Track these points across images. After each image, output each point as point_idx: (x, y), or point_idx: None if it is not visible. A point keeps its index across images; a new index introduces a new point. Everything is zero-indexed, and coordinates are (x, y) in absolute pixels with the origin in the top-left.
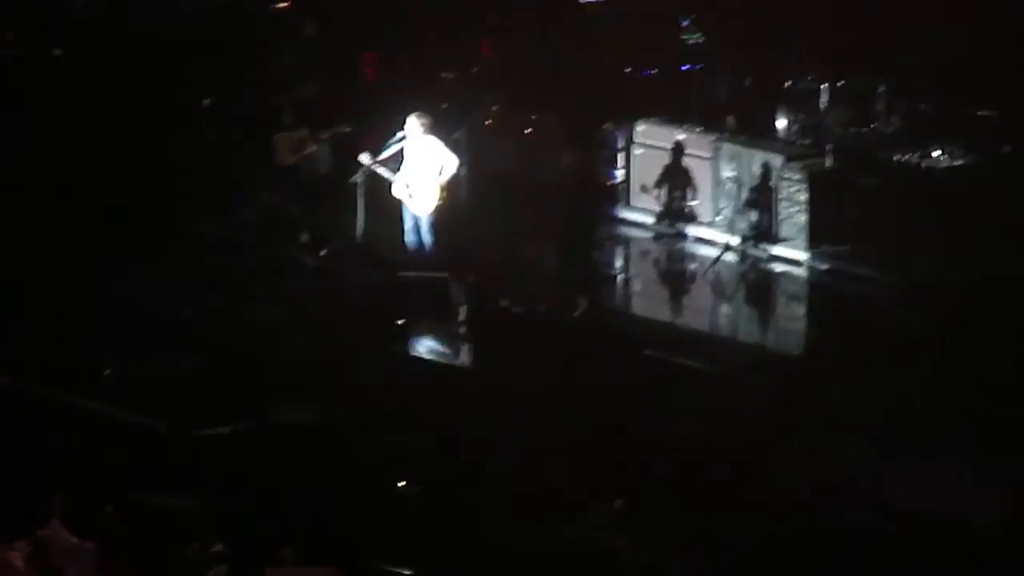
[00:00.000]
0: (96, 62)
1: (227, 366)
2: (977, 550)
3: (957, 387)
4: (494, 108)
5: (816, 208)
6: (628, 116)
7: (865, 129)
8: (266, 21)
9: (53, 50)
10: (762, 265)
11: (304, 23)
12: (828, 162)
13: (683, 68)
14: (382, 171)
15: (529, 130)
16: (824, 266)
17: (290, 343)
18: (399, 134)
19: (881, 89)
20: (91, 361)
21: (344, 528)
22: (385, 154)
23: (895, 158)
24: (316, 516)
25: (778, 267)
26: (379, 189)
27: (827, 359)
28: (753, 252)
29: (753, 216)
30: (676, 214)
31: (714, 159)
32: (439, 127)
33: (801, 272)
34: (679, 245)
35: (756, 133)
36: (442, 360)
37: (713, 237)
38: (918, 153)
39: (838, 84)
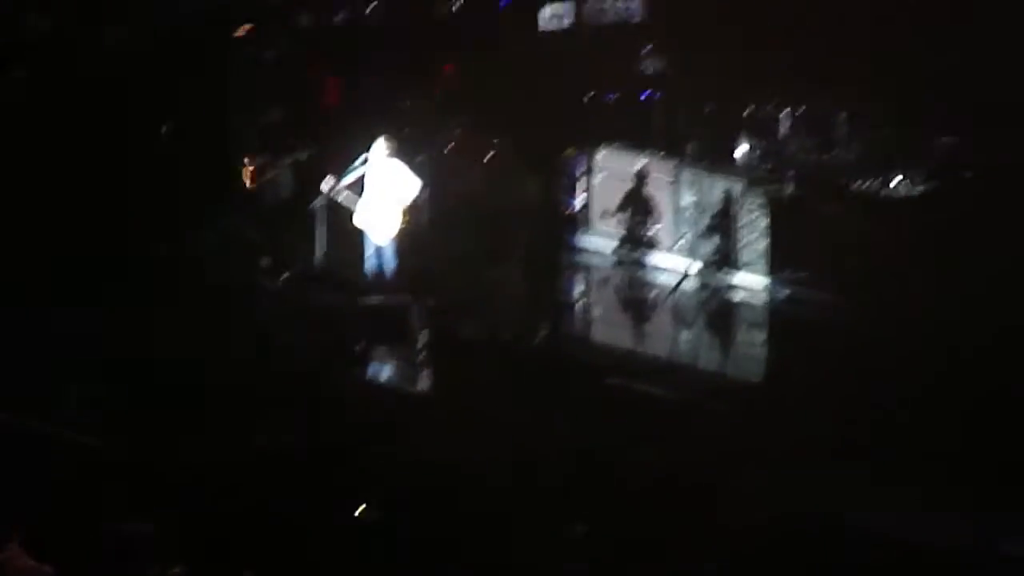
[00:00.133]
0: (53, 86)
1: (186, 391)
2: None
3: (918, 412)
4: (456, 133)
5: (777, 234)
6: (589, 142)
7: (826, 155)
8: (228, 46)
9: (8, 73)
10: (723, 292)
11: (266, 48)
12: (789, 188)
13: (644, 94)
14: (345, 196)
15: (490, 155)
16: (785, 292)
17: (248, 368)
18: (361, 158)
19: (842, 115)
20: (48, 386)
21: (302, 553)
22: (348, 179)
23: (856, 185)
24: (275, 540)
25: (739, 294)
26: (340, 214)
27: (788, 385)
28: (714, 278)
29: (714, 242)
30: (637, 240)
31: (675, 185)
32: (402, 153)
33: (762, 298)
34: (640, 271)
35: (717, 159)
36: (401, 386)
37: (674, 263)
38: (879, 180)
39: (799, 110)
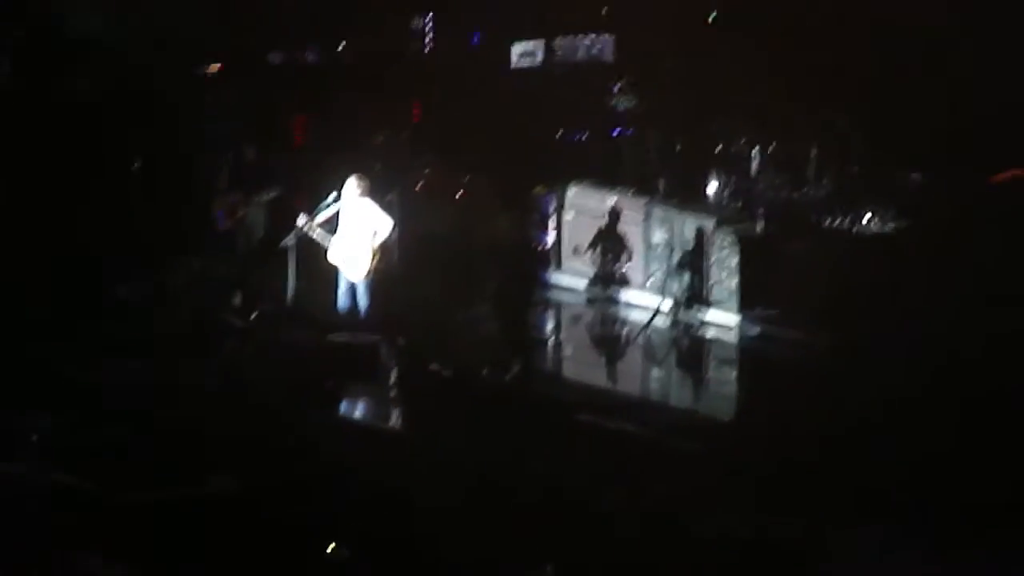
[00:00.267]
0: (22, 125)
1: (154, 431)
2: None
3: (888, 451)
4: (426, 171)
5: (747, 272)
6: (560, 179)
7: (796, 193)
8: (199, 84)
9: None
10: (693, 329)
11: (237, 87)
12: (759, 226)
13: (614, 132)
14: (318, 234)
15: (461, 193)
16: (755, 330)
17: (219, 406)
18: (332, 196)
19: (812, 153)
20: (17, 426)
21: None
22: (320, 217)
23: (826, 222)
24: None
25: (709, 331)
26: (311, 252)
27: (758, 423)
28: (684, 316)
29: (684, 280)
30: (608, 278)
31: (645, 223)
32: (373, 191)
33: (732, 336)
34: (611, 309)
35: (687, 197)
36: (372, 424)
37: (645, 301)
38: (849, 217)
39: (769, 148)
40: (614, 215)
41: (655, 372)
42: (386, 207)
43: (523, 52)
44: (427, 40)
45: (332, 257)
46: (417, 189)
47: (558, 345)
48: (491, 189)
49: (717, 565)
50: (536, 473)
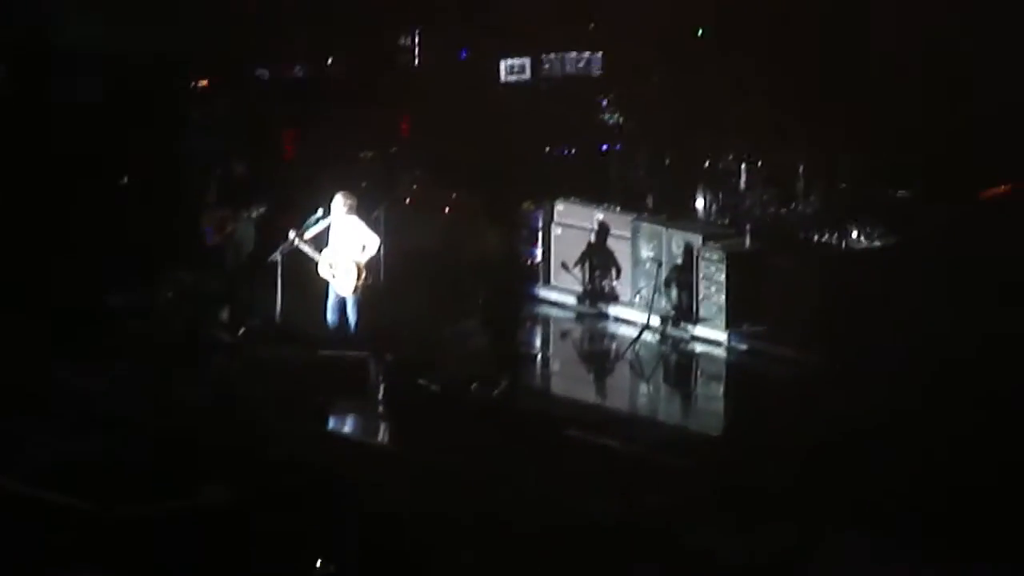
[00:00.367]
0: (12, 137)
1: (144, 445)
2: None
3: (875, 466)
4: (414, 186)
5: (735, 288)
6: (547, 195)
7: (784, 209)
8: (187, 99)
9: None
10: (681, 345)
11: (225, 102)
12: (747, 242)
13: (602, 148)
14: (308, 250)
15: (448, 208)
16: (743, 346)
17: (207, 421)
18: (319, 212)
19: (800, 169)
20: (5, 437)
21: None
22: (311, 232)
23: (814, 238)
24: None
25: (697, 347)
26: (299, 267)
27: (746, 439)
28: (672, 332)
29: (672, 296)
30: (596, 293)
31: (633, 239)
32: (360, 207)
33: (720, 352)
34: (599, 324)
35: (675, 213)
36: (359, 439)
37: (632, 316)
38: (837, 233)
39: (757, 164)
40: (602, 230)
41: (643, 387)
42: (373, 223)
43: (511, 67)
44: (416, 55)
45: (321, 272)
46: (405, 204)
47: (546, 360)
48: (479, 204)
49: None
50: (524, 488)
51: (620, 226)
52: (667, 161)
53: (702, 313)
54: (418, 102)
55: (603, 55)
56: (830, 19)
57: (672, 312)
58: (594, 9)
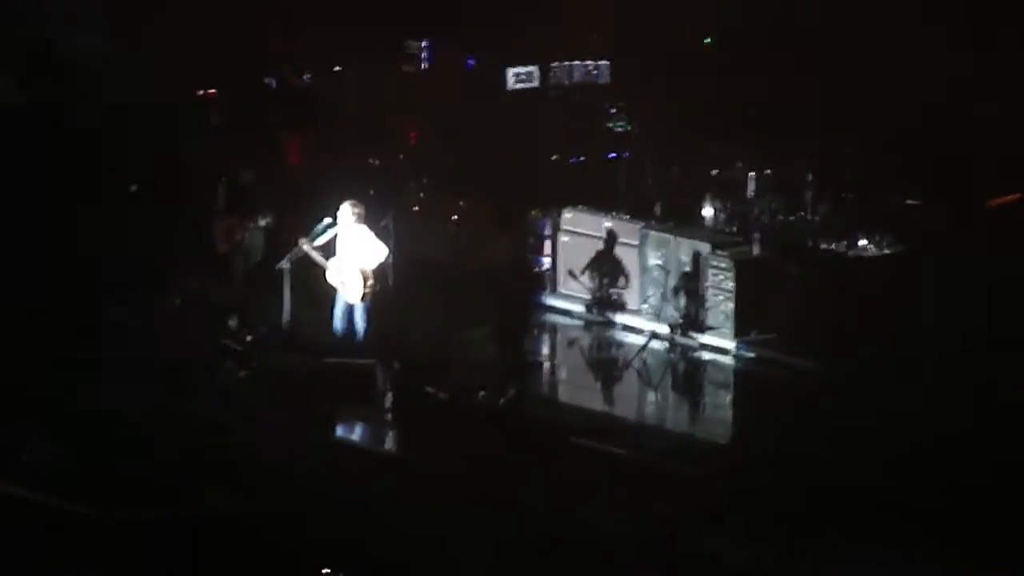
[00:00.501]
0: (21, 148)
1: (150, 453)
2: None
3: (884, 475)
4: (421, 194)
5: (743, 296)
6: (555, 203)
7: (792, 217)
8: (197, 108)
9: None
10: (689, 353)
11: (233, 110)
12: (755, 250)
13: (610, 155)
14: (316, 257)
15: (456, 216)
16: (751, 354)
17: (215, 429)
18: (327, 220)
19: (808, 178)
20: (12, 445)
21: None
22: (320, 240)
23: (822, 246)
24: None
25: (705, 355)
26: (307, 275)
27: (753, 447)
28: (680, 340)
29: (680, 304)
30: (603, 301)
31: (641, 247)
32: (368, 215)
33: (728, 360)
34: (606, 332)
35: (683, 221)
36: (368, 447)
37: (640, 325)
38: (845, 242)
39: (765, 172)
40: (610, 238)
41: (651, 395)
42: (382, 231)
43: (519, 75)
44: (424, 63)
45: (330, 279)
46: (413, 212)
47: (554, 368)
48: (486, 212)
49: None
50: (532, 495)
51: (628, 234)
52: (675, 169)
53: (710, 321)
54: (426, 110)
55: (611, 63)
56: (839, 27)
57: (680, 320)
58: (602, 17)
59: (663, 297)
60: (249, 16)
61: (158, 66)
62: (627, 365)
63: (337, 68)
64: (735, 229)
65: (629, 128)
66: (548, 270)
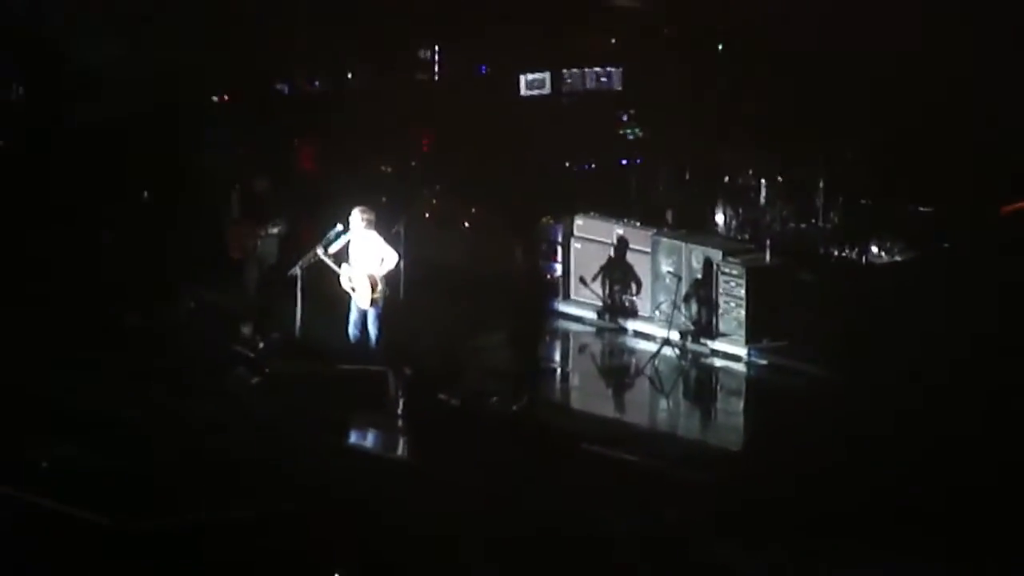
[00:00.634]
0: (34, 156)
1: (164, 459)
2: None
3: (896, 484)
4: (434, 201)
5: (754, 303)
6: (567, 209)
7: (804, 224)
8: (210, 115)
9: None
10: (701, 360)
11: (247, 116)
12: (767, 257)
13: (622, 162)
14: (329, 263)
15: (468, 223)
16: (763, 361)
17: (228, 436)
18: (338, 227)
19: (820, 184)
20: (26, 454)
21: None
22: (334, 247)
23: (834, 253)
24: None
25: (717, 362)
26: (320, 282)
27: (765, 454)
28: (692, 347)
29: (692, 311)
30: (615, 308)
31: (652, 253)
32: (380, 222)
33: (740, 367)
34: (618, 339)
35: (695, 227)
36: (380, 454)
37: (652, 331)
38: (857, 248)
39: (777, 179)
40: (622, 245)
41: (662, 402)
42: (393, 238)
43: (531, 82)
44: (436, 69)
45: (343, 285)
46: (425, 218)
47: (566, 375)
48: (498, 219)
49: None
50: (543, 501)
51: (640, 241)
52: (687, 176)
53: (722, 328)
54: (438, 116)
55: (623, 69)
56: (852, 36)
57: (692, 327)
58: (615, 24)
59: (675, 304)
60: (261, 22)
61: (170, 73)
62: (639, 372)
63: (349, 75)
64: (747, 236)
65: (641, 134)
66: (560, 277)
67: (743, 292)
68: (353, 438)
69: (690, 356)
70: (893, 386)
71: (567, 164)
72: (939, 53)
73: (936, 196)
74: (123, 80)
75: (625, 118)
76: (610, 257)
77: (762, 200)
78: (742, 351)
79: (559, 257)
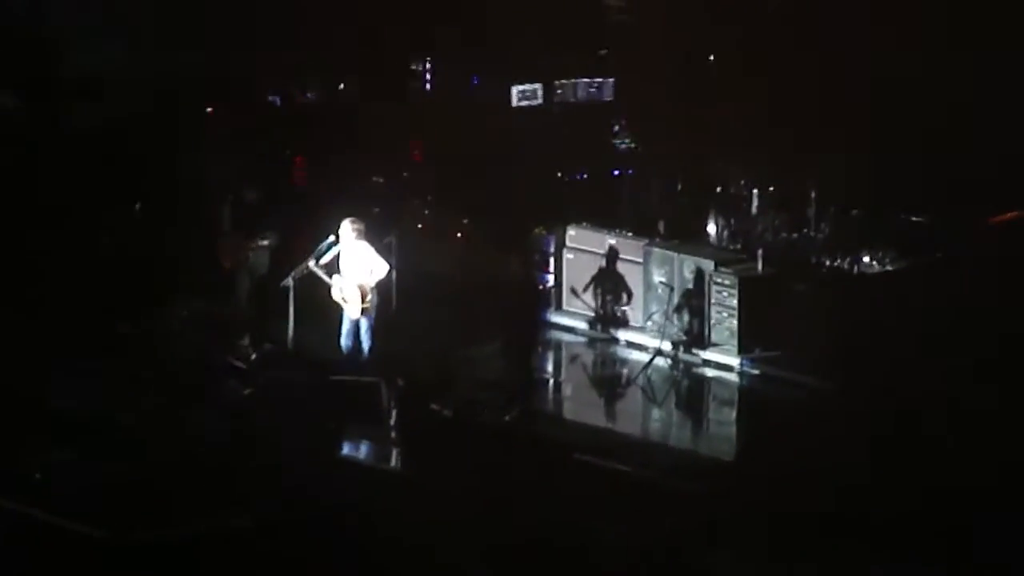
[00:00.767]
0: (28, 165)
1: (158, 470)
2: None
3: (889, 492)
4: (425, 212)
5: (747, 313)
6: (559, 220)
7: (796, 234)
8: (200, 125)
9: None
10: (693, 370)
11: (237, 128)
12: (759, 267)
13: (614, 173)
14: (321, 274)
15: (460, 233)
16: (755, 371)
17: (221, 446)
18: (330, 239)
19: (812, 194)
20: (21, 464)
21: None
22: (326, 258)
23: (826, 263)
24: None
25: (709, 372)
26: (312, 293)
27: (758, 464)
28: (684, 357)
29: (684, 321)
30: (607, 319)
31: (644, 264)
32: (371, 232)
33: (732, 377)
34: (610, 349)
35: (687, 238)
36: (372, 464)
37: (644, 341)
38: (849, 258)
39: (769, 189)
40: (614, 255)
41: (655, 413)
42: (385, 248)
43: (523, 93)
44: (427, 81)
45: (335, 296)
46: (417, 229)
47: (558, 385)
48: (490, 229)
49: None
50: (536, 512)
51: (632, 251)
52: (679, 186)
53: (714, 338)
54: (430, 127)
55: (615, 80)
56: (844, 45)
57: (684, 337)
58: (606, 35)
59: (667, 314)
60: (252, 34)
61: (162, 84)
62: (631, 382)
63: (341, 86)
64: (739, 246)
65: (633, 145)
66: (552, 287)
67: (735, 302)
68: (346, 448)
69: (682, 366)
70: (885, 396)
71: (559, 175)
72: (934, 63)
73: (927, 206)
74: (114, 90)
75: (617, 129)
76: (602, 268)
77: (754, 210)
78: (734, 361)
79: (551, 268)
